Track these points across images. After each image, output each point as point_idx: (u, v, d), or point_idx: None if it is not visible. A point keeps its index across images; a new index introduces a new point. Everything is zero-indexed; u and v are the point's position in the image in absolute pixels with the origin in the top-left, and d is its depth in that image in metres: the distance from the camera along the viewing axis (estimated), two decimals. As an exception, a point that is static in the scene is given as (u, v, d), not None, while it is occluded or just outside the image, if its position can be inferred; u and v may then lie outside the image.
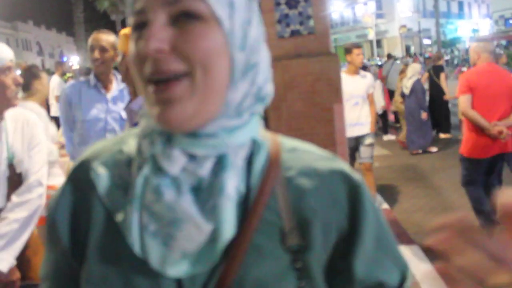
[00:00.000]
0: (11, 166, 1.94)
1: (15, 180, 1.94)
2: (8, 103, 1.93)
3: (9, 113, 2.00)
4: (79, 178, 0.72)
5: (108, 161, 0.71)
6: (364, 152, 5.05)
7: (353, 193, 0.69)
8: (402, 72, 9.13)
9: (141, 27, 0.62)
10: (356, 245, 0.68)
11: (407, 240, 4.23)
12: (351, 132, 4.71)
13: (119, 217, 0.67)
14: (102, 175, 0.69)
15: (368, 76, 5.23)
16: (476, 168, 4.01)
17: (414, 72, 8.04)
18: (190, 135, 0.63)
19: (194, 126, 0.63)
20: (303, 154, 0.72)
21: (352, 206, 0.69)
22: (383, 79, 11.37)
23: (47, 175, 2.08)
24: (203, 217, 0.63)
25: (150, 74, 0.61)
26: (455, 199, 5.44)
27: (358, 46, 5.14)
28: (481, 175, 4.03)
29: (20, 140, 1.98)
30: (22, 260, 1.99)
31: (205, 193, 0.64)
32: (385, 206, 5.29)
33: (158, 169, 0.64)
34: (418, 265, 3.69)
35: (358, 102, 4.99)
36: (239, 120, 0.65)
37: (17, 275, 1.91)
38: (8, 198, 1.91)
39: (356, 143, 5.05)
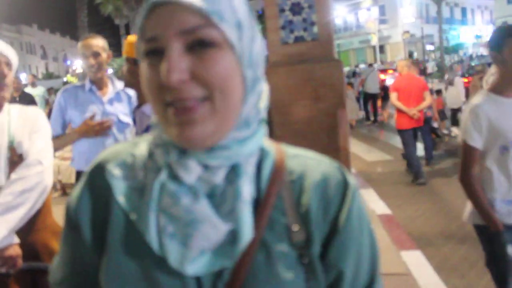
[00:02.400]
0: (12, 148, 2.01)
1: (16, 161, 2.00)
2: None
3: (14, 109, 2.11)
4: (96, 179, 0.75)
5: (122, 164, 0.74)
6: None
7: (346, 194, 0.74)
8: (480, 72, 9.32)
9: (154, 53, 0.64)
10: (334, 238, 0.72)
11: (409, 245, 4.24)
12: (505, 216, 2.26)
13: (136, 217, 0.70)
14: (117, 177, 0.73)
15: None
16: (407, 134, 6.65)
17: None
18: (205, 148, 0.67)
19: (213, 143, 0.66)
20: (305, 159, 0.77)
21: (342, 206, 0.73)
22: (362, 82, 13.63)
23: (51, 158, 2.13)
24: (220, 218, 0.67)
25: (172, 101, 0.63)
26: (458, 205, 5.43)
27: None
28: (411, 139, 6.67)
29: (22, 126, 2.06)
30: (37, 242, 2.02)
31: (219, 199, 0.68)
32: (388, 211, 5.29)
33: (175, 177, 0.68)
34: (421, 271, 3.69)
35: None
36: (248, 131, 0.70)
37: (16, 251, 1.91)
38: (9, 177, 1.97)
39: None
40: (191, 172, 0.67)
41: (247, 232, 0.67)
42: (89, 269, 0.75)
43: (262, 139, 0.73)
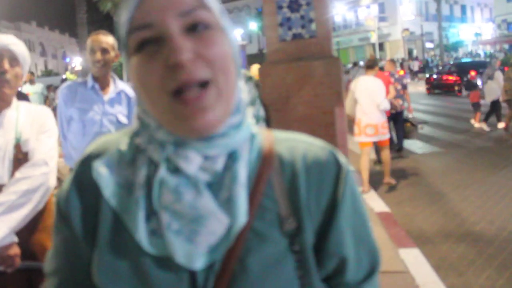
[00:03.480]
0: (17, 145, 1.98)
1: (21, 159, 1.97)
2: None
3: (23, 106, 2.09)
4: (86, 172, 0.75)
5: (109, 161, 0.73)
6: None
7: (339, 176, 0.73)
8: None
9: (149, 43, 0.63)
10: (331, 224, 0.72)
11: (407, 243, 4.23)
12: None
13: (125, 216, 0.69)
14: (104, 176, 0.71)
15: None
16: None
17: None
18: (203, 138, 0.66)
19: (219, 128, 0.66)
20: (295, 142, 0.76)
21: (336, 188, 0.73)
22: (349, 83, 13.69)
23: (56, 160, 2.09)
24: (221, 210, 0.67)
25: (181, 84, 0.62)
26: (457, 203, 5.44)
27: None
28: None
29: (30, 124, 2.03)
30: (34, 242, 2.00)
31: (218, 186, 0.68)
32: (386, 209, 5.28)
33: (174, 170, 0.67)
34: (419, 269, 3.69)
35: None
36: (239, 115, 0.70)
37: (15, 250, 1.89)
38: (13, 175, 1.94)
39: None
40: (192, 162, 0.67)
41: (242, 217, 0.66)
42: (82, 260, 0.74)
43: (251, 123, 0.74)
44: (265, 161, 0.72)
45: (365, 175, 5.92)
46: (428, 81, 21.73)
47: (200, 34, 0.64)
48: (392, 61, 8.78)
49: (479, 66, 18.47)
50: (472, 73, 18.01)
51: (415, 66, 32.51)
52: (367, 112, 5.63)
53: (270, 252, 0.68)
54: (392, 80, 7.48)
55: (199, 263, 0.66)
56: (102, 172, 0.72)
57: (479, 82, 18.60)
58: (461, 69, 19.22)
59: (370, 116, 5.67)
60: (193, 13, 0.63)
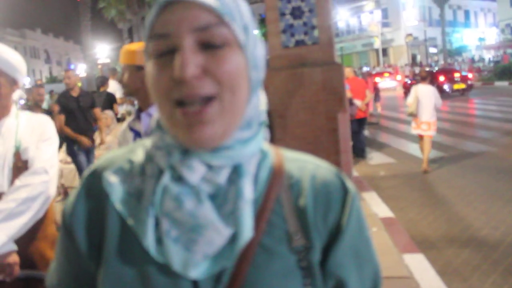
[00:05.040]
0: (17, 154, 1.96)
1: (20, 167, 1.96)
2: None
3: (24, 114, 2.07)
4: (93, 186, 0.76)
5: (119, 170, 0.74)
6: None
7: (346, 199, 0.75)
8: None
9: (165, 52, 0.65)
10: (334, 245, 0.74)
11: (412, 249, 4.23)
12: None
13: (134, 223, 0.70)
14: (114, 184, 0.73)
15: None
16: (355, 123, 8.52)
17: None
18: (210, 148, 0.67)
19: (220, 142, 0.67)
20: (303, 163, 0.77)
21: (342, 212, 0.74)
22: None
23: (57, 168, 2.07)
24: (222, 222, 0.68)
25: (184, 97, 0.64)
26: (460, 208, 5.42)
27: None
28: (355, 126, 8.38)
29: (30, 132, 2.02)
30: (34, 251, 1.98)
31: (222, 199, 0.69)
32: (390, 214, 5.28)
33: (177, 179, 0.68)
34: (423, 274, 3.68)
35: None
36: (250, 132, 0.71)
37: (14, 258, 1.87)
38: (12, 184, 1.92)
39: None
40: (195, 171, 0.67)
41: (247, 231, 0.67)
42: (84, 275, 0.75)
43: (262, 141, 0.74)
44: (275, 179, 0.73)
45: (426, 156, 7.32)
46: (404, 86, 23.08)
47: (213, 51, 0.64)
48: (352, 70, 10.46)
49: (447, 72, 21.46)
50: (441, 78, 20.52)
51: (406, 71, 34.15)
52: (424, 113, 7.34)
53: (278, 267, 0.70)
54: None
55: (194, 272, 0.66)
56: (112, 180, 0.73)
57: (446, 87, 20.06)
58: (431, 75, 20.99)
59: (426, 116, 7.37)
60: (209, 29, 0.64)
